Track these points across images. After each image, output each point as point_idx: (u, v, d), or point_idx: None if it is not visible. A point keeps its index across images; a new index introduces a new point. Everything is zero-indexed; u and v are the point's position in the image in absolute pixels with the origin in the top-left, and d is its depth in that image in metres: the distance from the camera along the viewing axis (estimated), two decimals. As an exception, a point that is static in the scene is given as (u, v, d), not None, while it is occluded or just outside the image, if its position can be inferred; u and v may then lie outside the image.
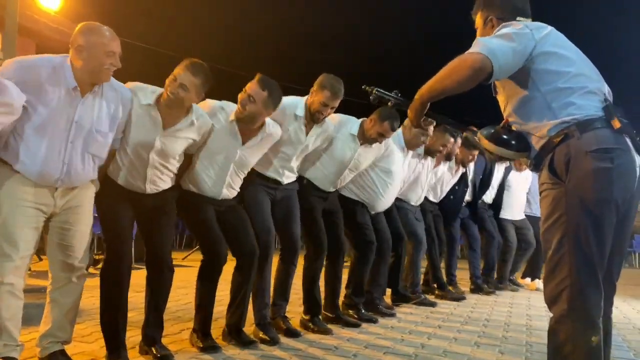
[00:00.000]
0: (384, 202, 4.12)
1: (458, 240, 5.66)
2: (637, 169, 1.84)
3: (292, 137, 3.25)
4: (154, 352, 2.66)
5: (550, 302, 1.86)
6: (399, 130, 4.15)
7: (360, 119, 3.71)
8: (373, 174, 3.97)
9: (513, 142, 1.99)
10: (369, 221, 4.01)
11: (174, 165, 2.75)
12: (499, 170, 6.00)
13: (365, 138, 3.66)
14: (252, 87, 2.86)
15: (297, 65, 15.69)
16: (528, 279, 6.44)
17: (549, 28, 1.96)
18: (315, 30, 17.68)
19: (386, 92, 2.41)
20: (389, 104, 2.41)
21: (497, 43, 1.87)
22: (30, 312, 2.69)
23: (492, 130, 2.04)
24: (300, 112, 3.24)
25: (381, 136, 3.64)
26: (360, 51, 19.46)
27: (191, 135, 2.73)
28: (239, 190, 3.09)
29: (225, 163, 2.93)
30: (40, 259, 5.73)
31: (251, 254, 3.01)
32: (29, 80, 2.21)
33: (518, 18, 2.01)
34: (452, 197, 5.46)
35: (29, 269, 5.22)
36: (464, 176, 5.46)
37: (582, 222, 1.79)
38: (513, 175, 6.18)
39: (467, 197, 5.64)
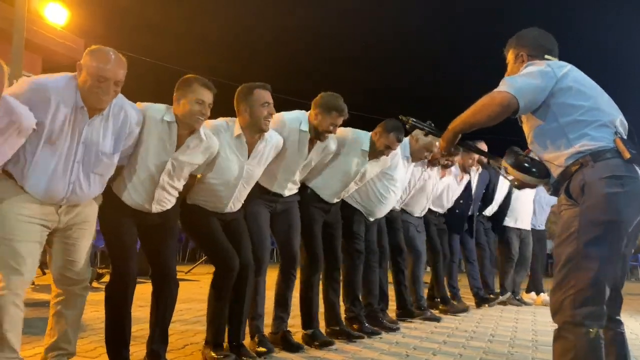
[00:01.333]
0: (384, 209, 4.13)
1: (458, 253, 5.65)
2: None
3: (295, 151, 3.26)
4: (158, 368, 2.64)
5: (554, 312, 2.04)
6: (406, 140, 4.16)
7: (370, 133, 3.73)
8: (377, 182, 3.98)
9: (534, 169, 2.22)
10: (362, 232, 4.03)
11: (181, 185, 2.76)
12: (504, 184, 5.99)
13: (374, 152, 3.68)
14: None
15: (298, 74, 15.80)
16: (533, 294, 6.40)
17: (569, 66, 2.19)
18: (323, 43, 17.82)
19: (420, 122, 2.57)
20: (424, 133, 2.59)
21: (522, 82, 2.13)
22: (34, 325, 2.69)
23: (515, 159, 2.26)
24: (305, 127, 3.25)
25: (387, 148, 3.66)
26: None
27: (198, 157, 2.74)
28: (242, 202, 3.11)
29: (234, 180, 2.94)
30: (44, 273, 5.74)
31: (245, 267, 3.01)
32: (39, 101, 2.23)
33: (546, 56, 2.26)
34: (457, 211, 5.46)
35: (33, 283, 5.25)
36: (468, 188, 5.46)
37: (592, 239, 1.96)
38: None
39: (471, 211, 5.64)
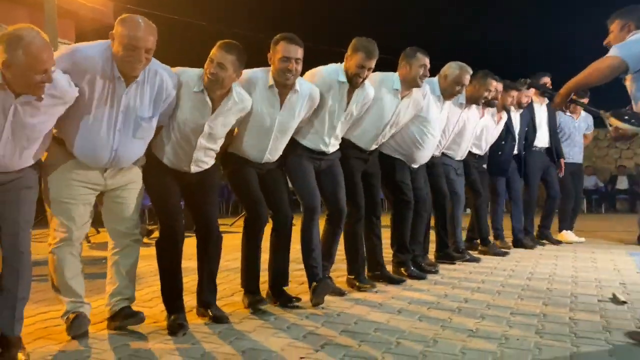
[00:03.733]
0: (424, 154, 4.10)
1: (503, 195, 5.60)
2: None
3: (336, 103, 3.28)
4: (210, 314, 2.83)
5: None
6: (435, 80, 4.10)
7: (396, 73, 3.69)
8: (412, 126, 3.94)
9: (633, 120, 2.58)
10: (407, 179, 4.03)
11: (218, 145, 2.87)
12: (541, 111, 5.86)
13: (409, 85, 3.64)
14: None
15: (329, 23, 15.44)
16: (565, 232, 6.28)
17: None
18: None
19: (536, 82, 2.75)
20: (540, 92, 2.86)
21: (630, 47, 2.57)
22: (93, 281, 2.91)
23: (616, 111, 2.63)
24: (342, 77, 3.25)
25: (424, 68, 3.61)
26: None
27: (233, 116, 2.83)
28: (281, 153, 3.18)
29: (267, 130, 3.01)
30: (98, 232, 6.07)
31: (284, 217, 3.13)
32: (78, 71, 2.34)
33: None
34: (500, 152, 5.41)
35: (89, 241, 5.58)
36: (510, 130, 5.37)
37: None
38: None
39: (516, 150, 5.57)
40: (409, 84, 3.64)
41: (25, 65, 2.04)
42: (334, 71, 3.27)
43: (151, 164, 2.73)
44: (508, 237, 5.71)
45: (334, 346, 2.44)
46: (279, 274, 3.22)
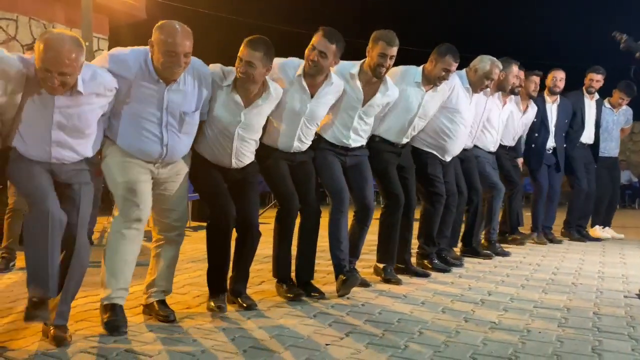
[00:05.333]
0: (456, 144, 4.11)
1: (544, 188, 5.53)
2: None
3: (350, 97, 3.34)
4: (240, 302, 2.96)
5: None
6: (463, 73, 4.12)
7: (421, 66, 3.74)
8: (442, 117, 3.97)
9: None
10: (439, 173, 4.07)
11: (257, 136, 2.98)
12: (591, 107, 5.80)
13: (430, 81, 3.69)
14: (319, 41, 2.99)
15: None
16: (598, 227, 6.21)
17: None
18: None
19: (634, 42, 2.65)
20: (637, 54, 2.73)
21: None
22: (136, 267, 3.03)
23: None
24: (355, 70, 3.33)
25: (447, 72, 3.63)
26: None
27: (268, 108, 2.96)
28: (310, 143, 3.28)
29: (296, 117, 3.11)
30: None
31: (312, 209, 3.23)
32: (121, 73, 2.48)
33: None
34: (533, 145, 5.37)
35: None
36: (544, 122, 5.33)
37: None
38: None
39: (552, 143, 5.52)
40: (429, 80, 3.68)
41: (46, 66, 2.17)
42: (347, 65, 3.33)
43: (196, 161, 2.87)
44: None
45: (359, 334, 2.53)
46: (305, 266, 3.31)
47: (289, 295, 3.15)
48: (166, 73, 2.51)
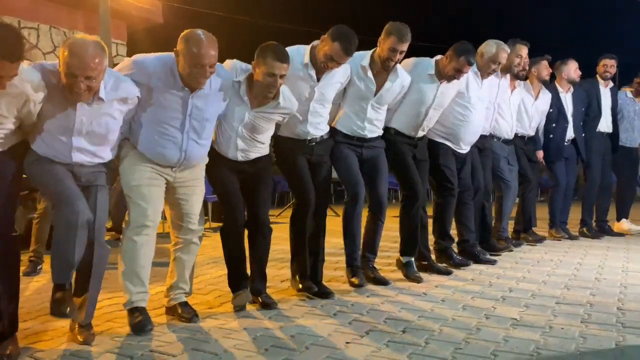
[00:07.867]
0: (470, 130, 4.05)
1: (563, 180, 5.41)
2: None
3: (362, 88, 3.36)
4: (260, 301, 2.99)
5: None
6: None
7: (434, 58, 3.73)
8: (453, 104, 3.93)
9: None
10: (452, 165, 4.04)
11: (264, 137, 3.00)
12: (606, 94, 5.67)
13: (442, 76, 3.67)
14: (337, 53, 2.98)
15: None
16: (625, 221, 6.05)
17: None
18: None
19: None
20: None
21: None
22: (154, 269, 3.08)
23: None
24: (365, 62, 3.34)
25: (458, 72, 3.61)
26: None
27: (277, 117, 2.97)
28: (325, 130, 3.29)
29: (305, 102, 3.12)
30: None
31: (320, 205, 3.24)
32: (145, 81, 2.52)
33: None
34: (551, 135, 5.30)
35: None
36: (562, 112, 5.25)
37: None
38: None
39: (570, 133, 5.41)
40: (441, 75, 3.66)
41: (72, 71, 2.19)
42: (358, 56, 3.31)
43: (212, 157, 2.89)
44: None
45: (379, 332, 2.54)
46: (312, 266, 3.30)
47: (300, 287, 3.19)
48: (192, 83, 2.54)
